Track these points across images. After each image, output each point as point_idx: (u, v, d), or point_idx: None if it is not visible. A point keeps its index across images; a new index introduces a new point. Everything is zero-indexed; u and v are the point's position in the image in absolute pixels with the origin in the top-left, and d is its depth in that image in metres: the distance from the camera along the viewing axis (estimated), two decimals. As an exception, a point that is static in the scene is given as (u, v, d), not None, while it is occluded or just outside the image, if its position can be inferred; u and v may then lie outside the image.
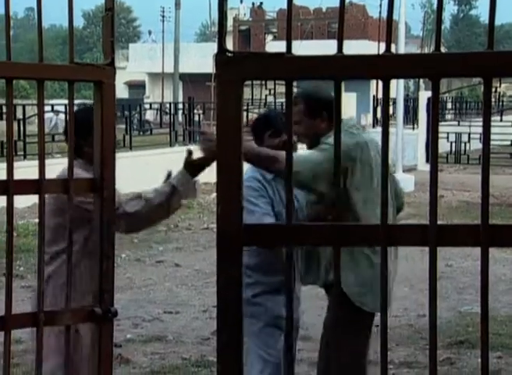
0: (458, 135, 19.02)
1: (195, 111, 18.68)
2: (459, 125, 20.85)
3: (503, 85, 18.98)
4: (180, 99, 31.33)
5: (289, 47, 1.77)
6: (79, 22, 65.14)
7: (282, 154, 2.53)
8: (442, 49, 1.81)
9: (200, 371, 5.36)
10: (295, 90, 2.12)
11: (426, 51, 36.54)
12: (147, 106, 22.08)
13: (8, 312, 2.20)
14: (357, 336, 3.55)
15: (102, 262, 2.36)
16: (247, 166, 3.75)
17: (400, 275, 8.04)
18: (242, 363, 1.84)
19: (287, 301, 1.83)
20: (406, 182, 15.88)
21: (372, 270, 3.56)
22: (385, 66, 1.75)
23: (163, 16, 49.44)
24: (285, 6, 1.84)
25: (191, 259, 9.28)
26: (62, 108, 16.34)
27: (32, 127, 14.34)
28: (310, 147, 3.68)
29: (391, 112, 16.55)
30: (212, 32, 52.23)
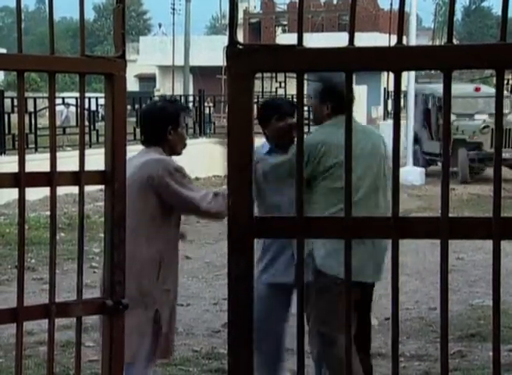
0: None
1: (205, 104, 18.68)
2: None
3: (515, 77, 18.92)
4: (191, 92, 31.32)
5: (300, 39, 1.76)
6: (89, 15, 65.15)
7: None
8: (454, 41, 1.80)
9: (210, 363, 5.37)
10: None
11: (438, 43, 36.34)
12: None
13: (20, 303, 2.21)
14: (329, 303, 3.79)
15: (113, 253, 2.36)
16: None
17: (411, 268, 8.06)
18: (253, 356, 1.84)
19: (298, 290, 1.83)
20: (416, 175, 15.82)
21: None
22: (397, 59, 1.75)
23: (173, 9, 49.34)
24: (295, -2, 1.83)
25: (201, 252, 9.30)
26: (72, 101, 16.38)
27: (43, 120, 14.39)
28: (314, 121, 4.09)
29: (402, 104, 16.34)
30: (222, 25, 52.21)
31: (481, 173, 16.01)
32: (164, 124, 3.66)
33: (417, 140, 17.07)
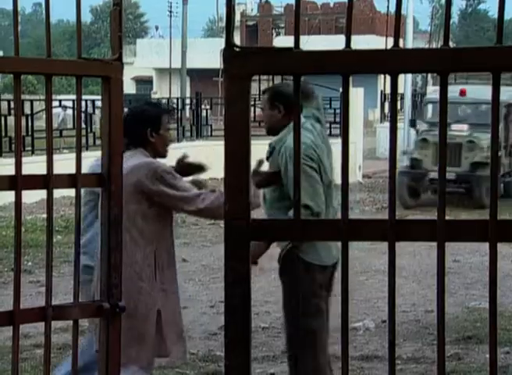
0: (466, 130, 18.77)
1: (202, 106, 18.67)
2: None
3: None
4: (188, 94, 31.34)
5: (296, 42, 1.77)
6: (86, 17, 65.07)
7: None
8: (451, 44, 1.80)
9: (207, 366, 5.37)
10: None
11: (434, 46, 36.42)
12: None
13: (16, 306, 2.20)
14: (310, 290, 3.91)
15: (110, 256, 2.36)
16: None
17: (408, 270, 8.06)
18: (250, 359, 1.84)
19: (293, 294, 1.83)
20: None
21: None
22: (393, 61, 1.75)
23: (170, 12, 49.36)
24: (292, 1, 1.84)
25: (198, 255, 9.29)
26: (69, 104, 16.38)
27: (40, 123, 14.38)
28: (268, 132, 4.13)
29: (399, 107, 16.30)
30: (219, 27, 52.22)
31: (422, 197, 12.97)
32: (144, 127, 3.69)
33: None
